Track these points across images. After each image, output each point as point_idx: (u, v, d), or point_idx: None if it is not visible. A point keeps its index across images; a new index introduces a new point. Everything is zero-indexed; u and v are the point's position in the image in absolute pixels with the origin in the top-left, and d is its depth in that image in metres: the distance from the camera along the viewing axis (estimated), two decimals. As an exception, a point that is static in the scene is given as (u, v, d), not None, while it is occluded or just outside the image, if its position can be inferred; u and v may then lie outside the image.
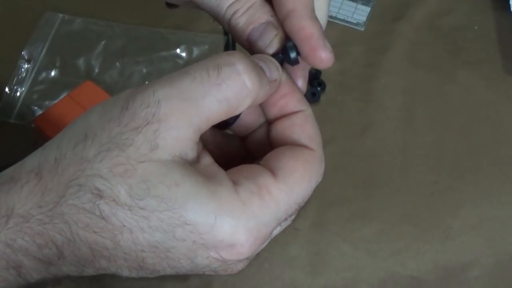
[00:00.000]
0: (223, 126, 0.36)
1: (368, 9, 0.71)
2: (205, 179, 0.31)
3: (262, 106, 0.37)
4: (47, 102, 0.65)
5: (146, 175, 0.31)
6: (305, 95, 0.38)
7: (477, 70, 0.66)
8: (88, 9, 0.72)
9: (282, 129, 0.36)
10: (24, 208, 0.31)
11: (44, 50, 0.68)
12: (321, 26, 0.37)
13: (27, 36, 0.69)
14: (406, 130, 0.62)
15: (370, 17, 0.71)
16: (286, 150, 0.35)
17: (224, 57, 0.33)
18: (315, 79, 0.65)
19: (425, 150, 0.61)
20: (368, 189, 0.58)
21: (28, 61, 0.68)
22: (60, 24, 0.70)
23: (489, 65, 0.66)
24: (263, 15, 0.38)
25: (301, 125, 0.36)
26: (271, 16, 0.38)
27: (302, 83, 0.39)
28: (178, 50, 0.68)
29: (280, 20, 0.37)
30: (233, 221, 0.31)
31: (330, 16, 0.70)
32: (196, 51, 0.69)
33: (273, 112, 0.37)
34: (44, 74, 0.67)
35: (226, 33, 0.69)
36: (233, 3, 0.38)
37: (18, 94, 0.65)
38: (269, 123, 0.38)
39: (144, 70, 0.67)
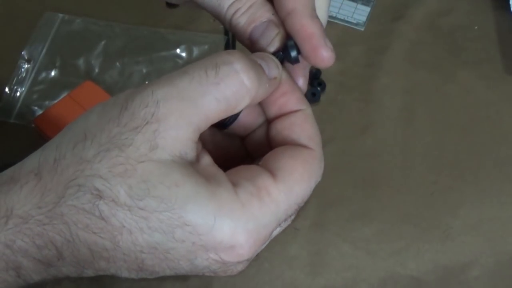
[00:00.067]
0: (221, 126, 0.36)
1: (368, 9, 0.71)
2: (205, 180, 0.31)
3: (262, 105, 0.37)
4: (47, 102, 0.65)
5: (146, 175, 0.31)
6: (305, 95, 0.38)
7: (477, 70, 0.66)
8: (88, 9, 0.72)
9: (282, 128, 0.36)
10: (24, 209, 0.31)
11: (44, 50, 0.68)
12: (322, 25, 0.37)
13: (27, 36, 0.69)
14: (406, 130, 0.62)
15: (370, 17, 0.71)
16: (285, 150, 0.35)
17: (222, 56, 0.33)
18: (315, 79, 0.65)
19: (425, 150, 0.61)
20: (368, 189, 0.58)
21: (28, 61, 0.67)
22: (60, 24, 0.70)
23: (489, 65, 0.66)
24: (264, 13, 0.38)
25: (301, 124, 0.36)
26: (272, 14, 0.38)
27: (302, 82, 0.39)
28: (178, 50, 0.68)
29: (281, 19, 0.37)
30: (232, 222, 0.31)
31: (330, 16, 0.70)
32: (196, 51, 0.69)
33: (273, 110, 0.37)
34: (44, 74, 0.67)
35: (226, 33, 0.69)
36: (234, 2, 0.38)
37: (18, 94, 0.65)
38: (269, 122, 0.38)
39: (144, 70, 0.67)
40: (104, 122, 0.32)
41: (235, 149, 0.39)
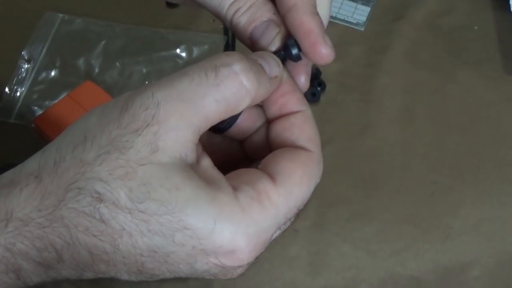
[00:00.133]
0: (218, 131, 0.36)
1: (368, 9, 0.71)
2: (205, 183, 0.31)
3: (262, 104, 0.37)
4: (47, 102, 0.65)
5: (146, 178, 0.31)
6: (305, 95, 0.38)
7: (477, 70, 0.66)
8: (88, 9, 0.72)
9: (281, 129, 0.36)
10: (24, 211, 0.31)
11: (44, 50, 0.68)
12: (322, 22, 0.37)
13: (27, 36, 0.69)
14: (406, 130, 0.62)
15: (370, 17, 0.71)
16: (284, 152, 0.35)
17: (221, 58, 0.33)
18: (315, 79, 0.64)
19: (425, 150, 0.61)
20: (368, 189, 0.58)
21: (28, 61, 0.67)
22: (60, 24, 0.70)
23: (489, 65, 0.66)
24: (265, 13, 0.38)
25: (300, 126, 0.36)
26: (273, 14, 0.38)
27: (305, 79, 0.39)
28: (178, 50, 0.68)
29: (282, 16, 0.37)
30: (232, 227, 0.31)
31: (330, 16, 0.70)
32: (196, 51, 0.68)
33: (273, 110, 0.37)
34: (44, 74, 0.67)
35: (226, 33, 0.69)
36: (234, 1, 0.38)
37: (18, 94, 0.65)
38: (269, 122, 0.38)
39: (144, 70, 0.67)
40: (104, 124, 0.32)
41: (234, 152, 0.39)
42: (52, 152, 0.32)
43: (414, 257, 0.54)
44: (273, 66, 0.35)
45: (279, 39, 0.37)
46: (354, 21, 0.70)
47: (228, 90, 0.32)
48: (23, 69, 0.67)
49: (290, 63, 0.38)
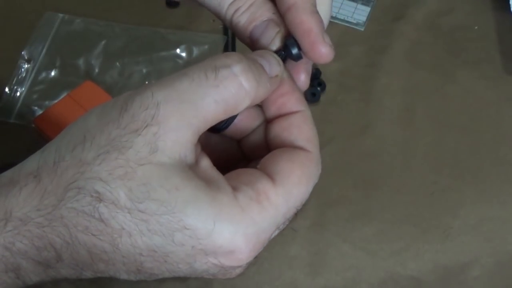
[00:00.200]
0: (215, 130, 0.36)
1: (368, 9, 0.71)
2: (204, 184, 0.31)
3: (261, 104, 0.37)
4: (47, 102, 0.65)
5: (146, 178, 0.31)
6: (305, 95, 0.38)
7: (477, 70, 0.66)
8: (88, 9, 0.72)
9: (280, 129, 0.36)
10: (23, 211, 0.31)
11: (44, 50, 0.68)
12: (321, 21, 0.37)
13: (27, 36, 0.69)
14: (406, 130, 0.62)
15: (370, 17, 0.71)
16: (283, 153, 0.35)
17: (221, 59, 0.33)
18: (315, 79, 0.64)
19: (425, 150, 0.61)
20: (368, 189, 0.58)
21: (28, 61, 0.67)
22: (60, 24, 0.70)
23: (489, 65, 0.66)
24: (265, 12, 0.38)
25: (299, 126, 0.36)
26: (273, 13, 0.38)
27: (304, 77, 0.39)
28: (178, 50, 0.68)
29: (282, 14, 0.37)
30: (232, 227, 0.31)
31: (330, 16, 0.70)
32: (196, 51, 0.68)
33: (272, 110, 0.37)
34: (44, 74, 0.67)
35: (226, 33, 0.69)
36: (234, 1, 0.38)
37: (18, 94, 0.65)
38: (267, 122, 0.38)
39: (144, 70, 0.67)
40: (103, 124, 0.32)
41: (232, 151, 0.39)
42: (51, 152, 0.32)
43: (414, 257, 0.54)
44: (274, 65, 0.35)
45: (279, 38, 0.37)
46: (354, 21, 0.70)
47: (227, 91, 0.32)
48: (23, 69, 0.67)
49: (289, 62, 0.38)
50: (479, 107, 0.63)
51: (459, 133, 0.61)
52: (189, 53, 0.68)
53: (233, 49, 0.68)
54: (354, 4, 0.71)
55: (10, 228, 0.31)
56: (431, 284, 0.53)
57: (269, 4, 0.38)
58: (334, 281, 0.53)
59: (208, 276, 0.33)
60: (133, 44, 0.69)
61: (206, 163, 0.33)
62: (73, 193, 0.31)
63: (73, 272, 0.33)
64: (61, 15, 0.71)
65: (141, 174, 0.31)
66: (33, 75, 0.67)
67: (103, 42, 0.69)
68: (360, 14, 0.71)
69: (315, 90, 0.64)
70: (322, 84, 0.64)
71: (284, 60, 0.37)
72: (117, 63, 0.67)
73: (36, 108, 0.64)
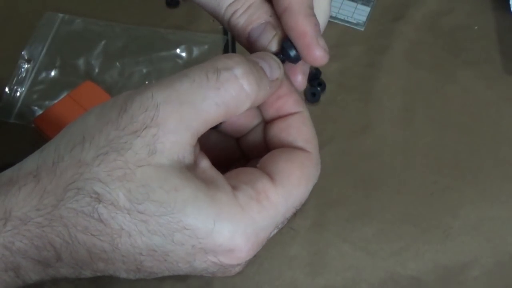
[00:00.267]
0: (213, 126, 0.36)
1: (368, 9, 0.71)
2: (203, 184, 0.31)
3: (259, 107, 0.37)
4: (47, 102, 0.65)
5: (145, 179, 0.31)
6: (305, 95, 0.38)
7: (477, 70, 0.66)
8: (88, 9, 0.72)
9: (279, 130, 0.36)
10: (22, 210, 0.31)
11: (44, 50, 0.68)
12: (316, 23, 0.37)
13: (27, 36, 0.69)
14: (406, 130, 0.62)
15: (370, 17, 0.71)
16: (282, 153, 0.35)
17: (222, 61, 0.33)
18: (315, 79, 0.64)
19: (425, 150, 0.61)
20: (368, 189, 0.58)
21: (28, 61, 0.68)
22: (60, 24, 0.70)
23: (489, 65, 0.66)
24: (262, 15, 0.38)
25: (298, 127, 0.36)
26: (270, 16, 0.38)
27: (302, 78, 0.39)
28: (178, 50, 0.68)
29: (278, 16, 0.37)
30: (232, 226, 0.31)
31: (330, 16, 0.70)
32: (196, 51, 0.69)
33: (270, 113, 0.37)
34: (44, 74, 0.67)
35: (226, 33, 0.69)
36: (232, 2, 0.38)
37: (18, 94, 0.66)
38: (266, 123, 0.38)
39: (144, 70, 0.67)
40: (102, 124, 0.32)
41: (230, 150, 0.39)
42: (50, 152, 0.32)
43: (414, 257, 0.54)
44: (274, 69, 0.35)
45: (276, 42, 0.37)
46: (354, 21, 0.70)
47: (228, 94, 0.32)
48: (23, 69, 0.67)
49: (286, 63, 0.38)
50: (479, 107, 0.63)
51: (459, 133, 0.61)
52: (189, 53, 0.68)
53: (233, 50, 0.68)
54: (354, 4, 0.71)
55: (9, 228, 0.31)
56: (431, 284, 0.53)
57: (266, 6, 0.38)
58: (334, 281, 0.53)
59: (207, 274, 0.33)
60: (133, 44, 0.69)
61: (205, 163, 0.33)
62: (73, 194, 0.31)
63: (73, 271, 0.33)
64: (61, 15, 0.71)
65: (140, 176, 0.31)
66: (33, 75, 0.67)
67: (103, 42, 0.69)
68: (360, 14, 0.71)
69: (315, 90, 0.64)
70: (322, 84, 0.64)
71: (282, 62, 0.37)
72: (117, 63, 0.67)
73: (36, 108, 0.64)
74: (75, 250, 0.31)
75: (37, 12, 0.71)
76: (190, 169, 0.32)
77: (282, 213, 0.33)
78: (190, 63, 0.67)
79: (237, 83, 0.33)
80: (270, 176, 0.33)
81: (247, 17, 0.38)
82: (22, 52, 0.68)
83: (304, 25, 0.36)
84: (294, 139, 0.36)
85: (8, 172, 0.33)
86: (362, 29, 0.70)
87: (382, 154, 0.60)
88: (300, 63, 0.38)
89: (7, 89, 0.66)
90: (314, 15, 0.37)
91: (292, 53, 0.37)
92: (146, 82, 0.66)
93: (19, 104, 0.65)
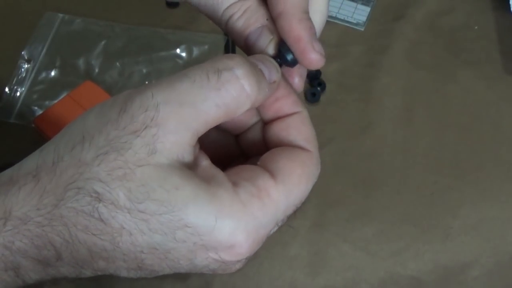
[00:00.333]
0: None
1: (368, 9, 0.71)
2: (204, 182, 0.31)
3: (257, 108, 0.37)
4: (47, 102, 0.65)
5: (145, 179, 0.31)
6: (305, 95, 0.38)
7: (477, 70, 0.66)
8: (88, 9, 0.72)
9: (278, 130, 0.36)
10: (22, 210, 0.31)
11: (44, 50, 0.68)
12: (311, 27, 0.36)
13: (27, 36, 0.69)
14: (406, 130, 0.62)
15: (370, 17, 0.71)
16: (283, 151, 0.35)
17: (223, 61, 0.33)
18: (315, 79, 0.64)
19: (425, 150, 0.61)
20: (368, 189, 0.58)
21: (28, 61, 0.68)
22: (60, 24, 0.70)
23: (489, 65, 0.66)
24: (259, 18, 0.38)
25: (297, 127, 0.36)
26: (266, 20, 0.38)
27: (298, 80, 0.39)
28: (178, 50, 0.68)
29: (274, 20, 0.37)
30: (233, 223, 0.31)
31: (330, 16, 0.70)
32: (196, 51, 0.69)
33: (269, 114, 0.37)
34: (44, 74, 0.67)
35: (226, 33, 0.69)
36: (229, 6, 0.38)
37: (18, 94, 0.66)
38: (265, 123, 0.38)
39: (144, 70, 0.67)
40: (102, 124, 0.32)
41: (229, 147, 0.39)
42: (50, 151, 0.32)
43: (414, 257, 0.54)
44: (273, 72, 0.35)
45: (272, 46, 0.37)
46: (354, 21, 0.70)
47: (229, 95, 0.32)
48: (23, 69, 0.67)
49: (284, 66, 0.38)
50: (479, 107, 0.63)
51: (459, 133, 0.61)
52: (189, 53, 0.68)
53: (233, 50, 0.68)
54: (354, 4, 0.71)
55: (9, 227, 0.31)
56: (431, 284, 0.53)
57: (263, 10, 0.38)
58: (334, 281, 0.53)
59: (208, 271, 0.33)
60: (133, 44, 0.69)
61: (205, 162, 0.33)
62: (73, 193, 0.31)
63: (73, 270, 0.33)
64: (61, 15, 0.71)
65: (140, 175, 0.31)
66: (33, 75, 0.67)
67: (103, 42, 0.69)
68: (360, 14, 0.71)
69: (315, 90, 0.64)
70: (322, 84, 0.64)
71: (280, 65, 0.37)
72: (117, 63, 0.68)
73: (36, 108, 0.64)
74: (75, 249, 0.31)
75: (37, 12, 0.71)
76: (190, 168, 0.32)
77: (283, 211, 0.33)
78: (190, 63, 0.67)
79: (238, 84, 0.33)
80: (271, 174, 0.33)
81: (244, 21, 0.38)
82: (22, 52, 0.68)
83: (299, 30, 0.36)
84: (294, 138, 0.36)
85: (8, 171, 0.33)
86: (362, 29, 0.70)
87: (382, 154, 0.60)
88: (297, 65, 0.38)
89: (7, 89, 0.66)
90: (309, 19, 0.37)
91: (289, 57, 0.37)
92: (146, 82, 0.66)
93: (19, 104, 0.65)
